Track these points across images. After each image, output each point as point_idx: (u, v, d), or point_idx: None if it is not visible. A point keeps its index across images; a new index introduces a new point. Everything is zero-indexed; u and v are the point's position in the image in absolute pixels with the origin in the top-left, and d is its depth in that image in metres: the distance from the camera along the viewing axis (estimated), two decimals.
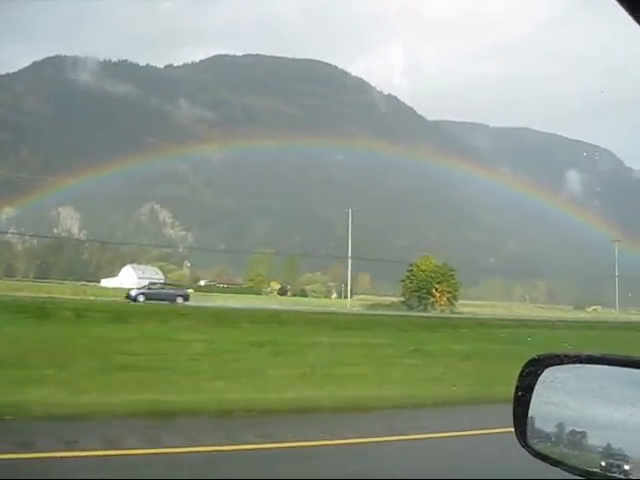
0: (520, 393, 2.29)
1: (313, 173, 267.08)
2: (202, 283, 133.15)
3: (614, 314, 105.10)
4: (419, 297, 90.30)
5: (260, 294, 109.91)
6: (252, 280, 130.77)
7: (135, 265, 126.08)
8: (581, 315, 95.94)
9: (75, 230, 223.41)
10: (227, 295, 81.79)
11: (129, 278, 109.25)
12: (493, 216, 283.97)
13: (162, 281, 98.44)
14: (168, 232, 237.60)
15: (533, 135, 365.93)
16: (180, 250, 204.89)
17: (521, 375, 2.33)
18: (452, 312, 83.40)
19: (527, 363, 2.33)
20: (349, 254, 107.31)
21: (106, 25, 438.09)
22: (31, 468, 7.99)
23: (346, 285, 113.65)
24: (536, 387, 2.27)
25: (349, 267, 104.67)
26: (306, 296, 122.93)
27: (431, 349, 24.48)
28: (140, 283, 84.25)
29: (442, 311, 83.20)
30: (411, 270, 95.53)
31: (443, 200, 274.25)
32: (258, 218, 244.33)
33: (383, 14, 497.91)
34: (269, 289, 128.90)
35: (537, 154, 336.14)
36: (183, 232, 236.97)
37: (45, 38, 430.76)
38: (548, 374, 2.28)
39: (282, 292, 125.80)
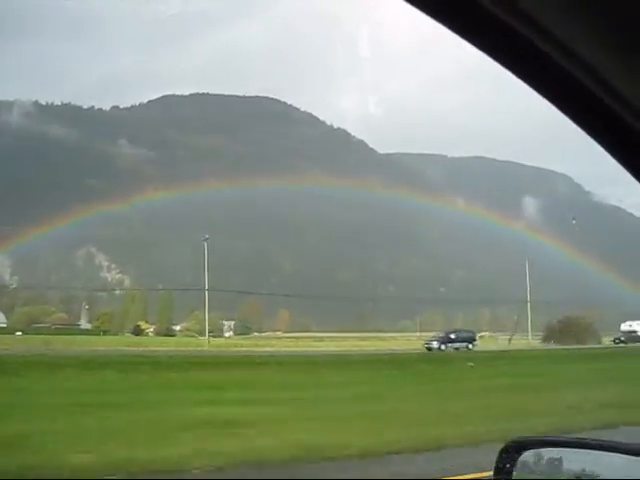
0: (498, 477, 2.29)
1: (257, 209, 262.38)
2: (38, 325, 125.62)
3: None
4: None
5: (99, 334, 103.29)
6: (99, 319, 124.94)
7: None
8: None
9: (7, 277, 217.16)
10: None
11: None
12: (445, 246, 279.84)
13: (4, 324, 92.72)
14: (104, 275, 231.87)
15: (489, 163, 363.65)
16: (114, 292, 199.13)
17: (499, 458, 2.31)
18: None
19: (505, 446, 2.31)
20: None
21: (53, 69, 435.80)
22: None
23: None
24: (514, 470, 2.27)
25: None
26: (173, 335, 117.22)
27: None
28: None
29: None
30: None
31: (392, 232, 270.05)
32: (199, 258, 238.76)
33: (333, 48, 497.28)
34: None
35: (493, 182, 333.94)
36: (119, 275, 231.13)
37: None
38: (526, 457, 2.27)
39: (136, 332, 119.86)
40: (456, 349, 66.96)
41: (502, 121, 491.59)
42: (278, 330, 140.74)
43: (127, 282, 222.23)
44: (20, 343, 59.19)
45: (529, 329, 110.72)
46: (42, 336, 73.84)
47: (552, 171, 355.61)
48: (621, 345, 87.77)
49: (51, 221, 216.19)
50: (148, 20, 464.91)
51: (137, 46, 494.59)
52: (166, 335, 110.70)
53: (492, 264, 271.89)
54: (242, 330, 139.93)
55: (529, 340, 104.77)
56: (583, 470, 2.17)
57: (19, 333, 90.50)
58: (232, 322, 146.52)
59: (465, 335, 74.17)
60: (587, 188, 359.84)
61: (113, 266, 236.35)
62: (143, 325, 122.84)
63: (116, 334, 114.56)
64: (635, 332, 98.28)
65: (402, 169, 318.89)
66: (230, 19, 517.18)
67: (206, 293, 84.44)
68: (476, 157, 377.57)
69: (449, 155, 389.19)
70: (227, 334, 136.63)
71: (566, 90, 1.49)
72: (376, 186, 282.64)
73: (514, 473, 2.23)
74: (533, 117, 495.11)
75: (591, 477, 2.16)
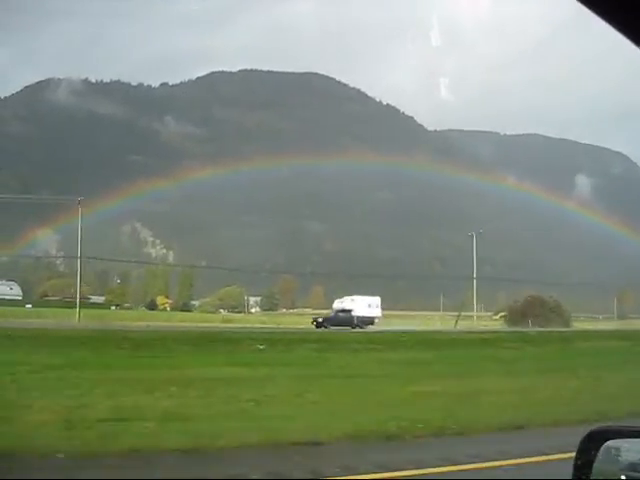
0: (580, 465, 2.24)
1: (303, 187, 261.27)
2: (49, 298, 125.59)
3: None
4: None
5: (108, 309, 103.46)
6: (111, 293, 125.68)
7: None
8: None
9: (53, 251, 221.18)
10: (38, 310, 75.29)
11: None
12: (493, 224, 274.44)
13: (19, 297, 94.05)
14: (149, 251, 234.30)
15: (544, 141, 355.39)
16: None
17: (580, 447, 2.27)
18: None
19: (587, 435, 2.27)
20: None
21: (103, 47, 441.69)
22: None
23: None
24: (596, 460, 2.21)
25: None
26: (190, 311, 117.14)
27: None
28: None
29: None
30: None
31: (439, 209, 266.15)
32: (244, 234, 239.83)
33: (383, 23, 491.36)
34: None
35: (547, 159, 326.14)
36: (164, 250, 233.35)
37: (41, 62, 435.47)
38: (609, 446, 2.21)
39: (152, 307, 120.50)
40: None
41: (558, 99, 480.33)
42: (308, 307, 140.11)
43: (171, 258, 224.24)
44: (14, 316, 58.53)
45: (474, 309, 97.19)
46: (48, 309, 74.30)
47: (607, 149, 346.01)
48: (322, 329, 59.79)
49: (98, 196, 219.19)
50: None
51: (187, 23, 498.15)
52: (182, 310, 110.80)
53: (541, 243, 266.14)
54: (269, 306, 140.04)
55: (473, 321, 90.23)
56: None
57: (29, 306, 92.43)
58: (259, 298, 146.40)
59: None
60: None
61: (157, 242, 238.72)
62: (160, 300, 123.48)
63: (130, 308, 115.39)
64: (348, 311, 70.65)
65: (452, 146, 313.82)
66: None
67: (79, 262, 76.82)
68: (530, 134, 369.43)
69: (502, 132, 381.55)
70: (253, 310, 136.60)
71: None
72: (424, 163, 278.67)
73: (596, 461, 2.19)
74: (590, 95, 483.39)
75: None
